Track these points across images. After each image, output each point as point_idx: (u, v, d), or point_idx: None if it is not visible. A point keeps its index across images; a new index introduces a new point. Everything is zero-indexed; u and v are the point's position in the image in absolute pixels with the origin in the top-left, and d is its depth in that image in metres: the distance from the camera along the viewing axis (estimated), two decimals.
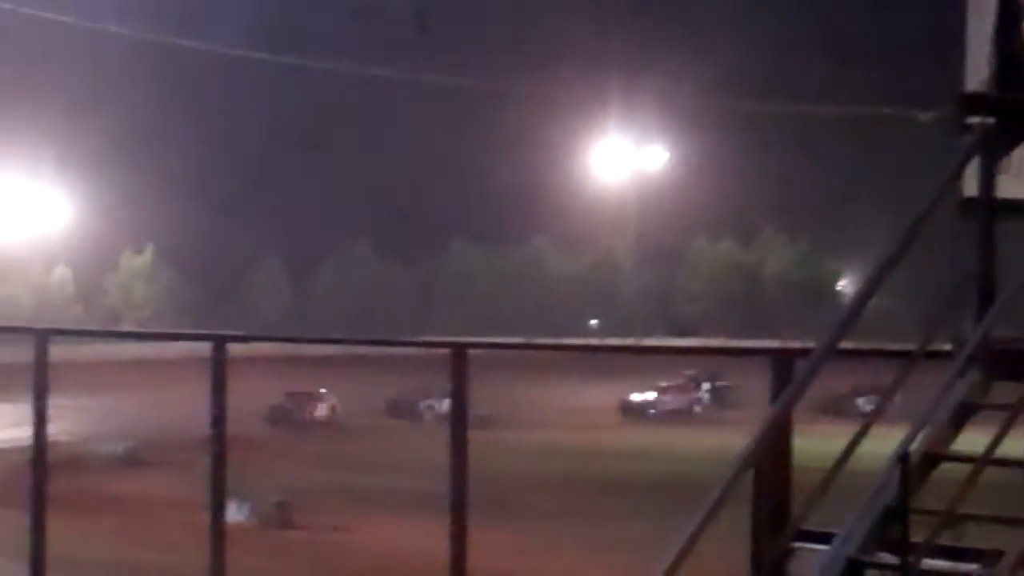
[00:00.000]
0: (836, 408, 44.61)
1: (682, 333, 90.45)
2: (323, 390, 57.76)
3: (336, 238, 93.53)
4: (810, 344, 7.16)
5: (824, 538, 6.96)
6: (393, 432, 50.22)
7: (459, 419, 8.60)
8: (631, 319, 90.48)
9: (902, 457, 6.70)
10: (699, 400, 64.04)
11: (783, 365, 7.45)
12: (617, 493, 34.76)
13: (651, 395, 61.84)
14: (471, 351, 8.60)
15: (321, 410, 56.95)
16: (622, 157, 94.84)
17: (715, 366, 63.32)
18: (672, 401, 62.37)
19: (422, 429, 48.00)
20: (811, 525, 7.10)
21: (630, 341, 69.93)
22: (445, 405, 10.68)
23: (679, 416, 59.47)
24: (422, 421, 52.78)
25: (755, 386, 8.59)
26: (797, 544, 7.11)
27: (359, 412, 55.91)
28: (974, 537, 7.10)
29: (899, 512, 6.70)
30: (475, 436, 8.70)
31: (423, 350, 17.80)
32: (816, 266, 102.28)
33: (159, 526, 29.52)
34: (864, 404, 43.95)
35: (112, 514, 31.96)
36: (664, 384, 61.79)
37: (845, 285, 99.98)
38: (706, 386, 64.28)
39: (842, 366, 7.62)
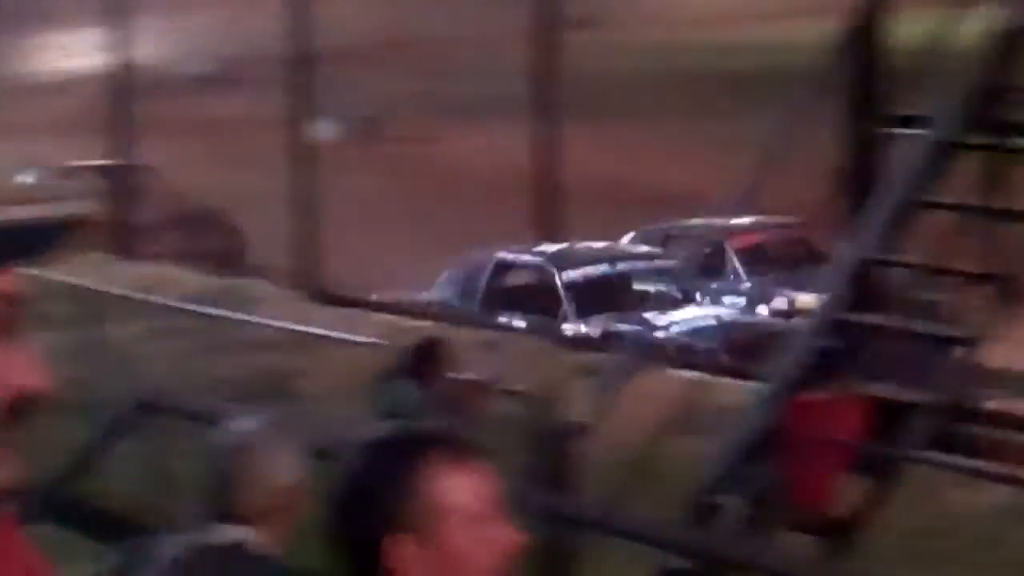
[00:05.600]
0: None
1: None
2: None
3: None
4: None
5: (914, 122, 6.80)
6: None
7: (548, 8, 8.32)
8: None
9: (1003, 34, 6.47)
10: None
11: None
12: (727, 91, 32.39)
13: None
14: None
15: None
16: None
17: None
18: None
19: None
20: (902, 109, 6.92)
21: None
22: None
23: None
24: None
25: None
26: (887, 129, 6.96)
27: None
28: None
29: (995, 91, 6.52)
30: (570, 38, 8.27)
31: None
32: None
33: (250, 146, 29.41)
34: None
35: (202, 135, 31.85)
36: None
37: None
38: None
39: None
